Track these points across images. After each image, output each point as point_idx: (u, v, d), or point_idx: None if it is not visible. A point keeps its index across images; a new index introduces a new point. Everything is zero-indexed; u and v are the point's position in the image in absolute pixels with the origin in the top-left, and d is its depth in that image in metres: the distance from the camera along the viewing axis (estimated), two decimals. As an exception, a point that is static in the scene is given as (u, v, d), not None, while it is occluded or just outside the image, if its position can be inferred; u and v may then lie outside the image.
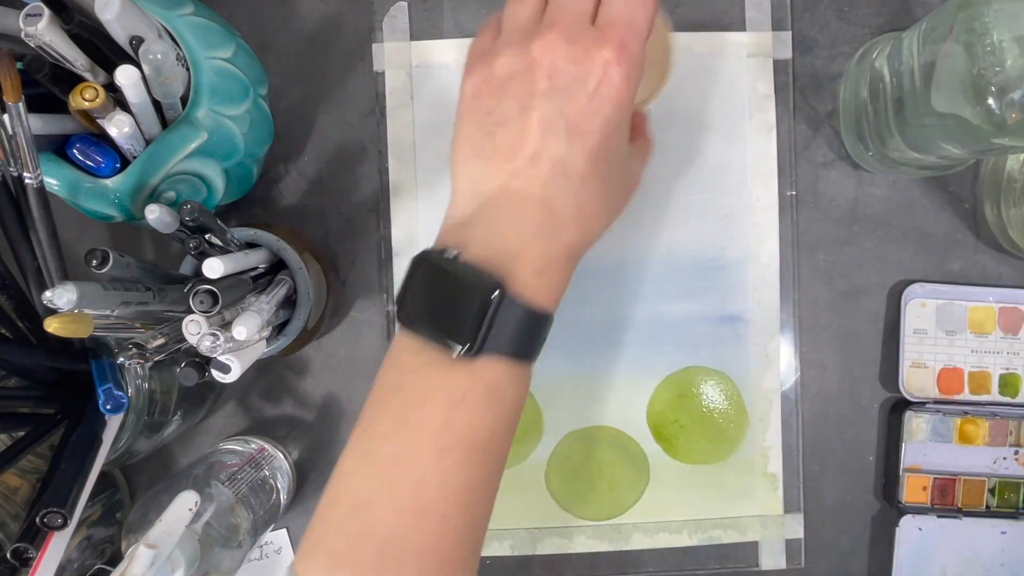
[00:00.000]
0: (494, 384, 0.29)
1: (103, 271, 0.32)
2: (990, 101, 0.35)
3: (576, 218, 0.30)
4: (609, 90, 0.29)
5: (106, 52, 0.36)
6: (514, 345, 0.29)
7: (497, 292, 0.28)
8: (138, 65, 0.35)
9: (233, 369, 0.36)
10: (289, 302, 0.43)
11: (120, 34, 0.35)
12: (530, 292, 0.29)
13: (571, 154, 0.29)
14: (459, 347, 0.28)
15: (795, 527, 0.49)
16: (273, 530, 0.49)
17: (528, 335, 0.30)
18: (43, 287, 0.35)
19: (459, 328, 0.28)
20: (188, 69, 0.39)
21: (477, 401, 0.29)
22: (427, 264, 0.30)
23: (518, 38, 0.30)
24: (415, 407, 0.29)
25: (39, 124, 0.37)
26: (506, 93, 0.30)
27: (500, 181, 0.30)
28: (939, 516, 0.48)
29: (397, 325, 0.31)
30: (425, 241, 0.49)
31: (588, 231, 0.31)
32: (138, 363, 0.34)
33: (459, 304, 0.28)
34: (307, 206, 0.49)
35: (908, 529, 0.48)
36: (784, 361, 0.49)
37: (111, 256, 0.33)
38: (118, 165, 0.39)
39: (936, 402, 0.49)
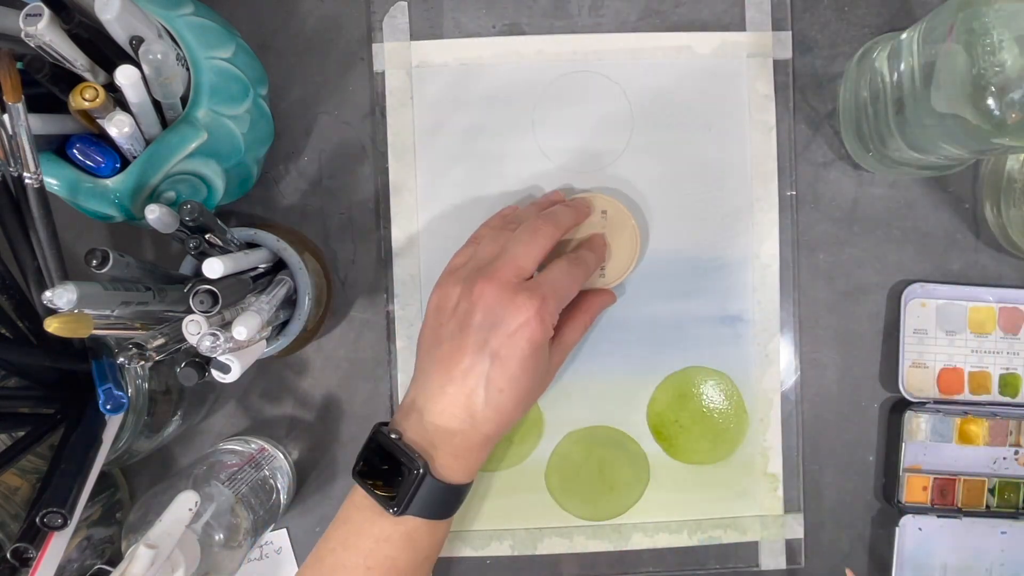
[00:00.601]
0: (411, 533, 0.39)
1: (103, 271, 0.32)
2: (990, 101, 0.35)
3: (492, 418, 0.39)
4: (525, 331, 0.38)
5: (106, 52, 0.36)
6: (429, 510, 0.39)
7: (420, 471, 0.38)
8: (138, 65, 0.35)
9: (233, 369, 0.36)
10: (289, 302, 0.43)
11: (120, 34, 0.35)
12: (447, 471, 0.39)
13: (492, 372, 0.38)
14: (391, 508, 0.38)
15: (795, 527, 0.49)
16: (273, 530, 0.49)
17: (442, 503, 0.40)
18: (43, 287, 0.35)
19: (391, 495, 0.39)
20: (188, 69, 0.39)
21: (398, 542, 0.39)
22: (379, 439, 0.40)
23: (473, 275, 0.40)
24: (353, 535, 0.40)
25: (39, 124, 0.37)
26: (453, 316, 0.40)
27: (440, 383, 0.39)
28: (939, 516, 0.48)
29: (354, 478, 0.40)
30: (425, 241, 0.49)
31: (501, 425, 0.39)
32: (138, 363, 0.34)
33: (394, 475, 0.39)
34: (307, 206, 0.49)
35: (908, 529, 0.48)
36: (784, 361, 0.49)
37: (111, 256, 0.33)
38: (118, 165, 0.39)
39: (936, 402, 0.49)
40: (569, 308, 0.43)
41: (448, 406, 0.39)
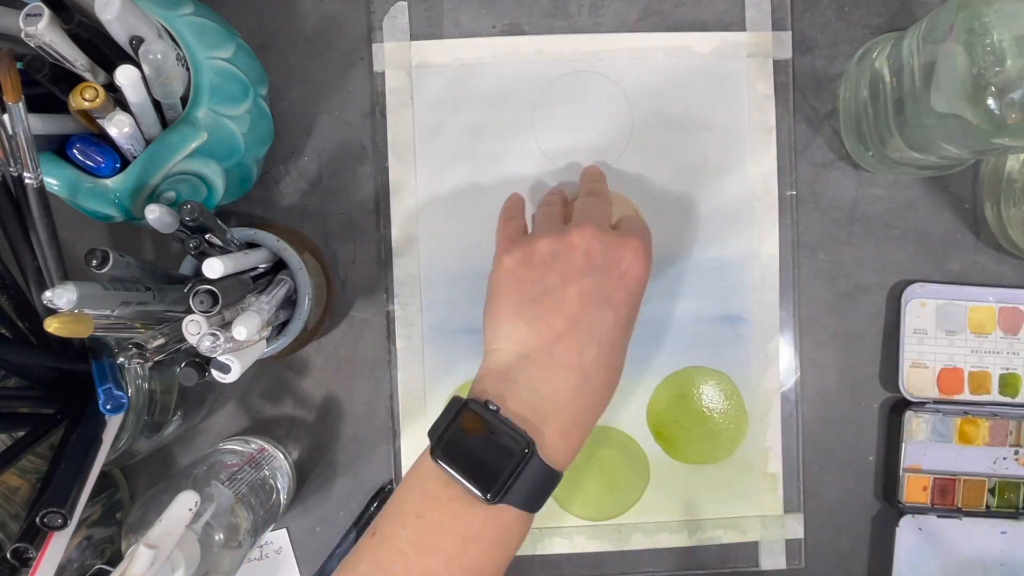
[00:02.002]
0: (506, 528, 0.32)
1: (103, 271, 0.32)
2: (990, 101, 0.35)
3: (605, 383, 0.34)
4: (635, 271, 0.35)
5: (106, 52, 0.36)
6: (529, 499, 0.33)
7: (527, 450, 0.32)
8: (138, 65, 0.35)
9: (233, 369, 0.36)
10: (289, 302, 0.43)
11: (120, 34, 0.35)
12: (553, 452, 0.33)
13: (605, 323, 0.34)
14: (487, 493, 0.32)
15: (795, 527, 0.49)
16: (273, 530, 0.49)
17: (543, 491, 0.34)
18: (43, 287, 0.35)
19: (489, 478, 0.32)
20: (188, 69, 0.39)
21: (490, 541, 0.32)
22: (470, 412, 0.33)
23: (555, 229, 0.36)
24: (431, 533, 0.32)
25: (39, 124, 0.37)
26: (549, 268, 0.35)
27: (542, 343, 0.34)
28: (939, 516, 0.48)
29: (428, 453, 0.34)
30: (425, 241, 0.49)
31: (610, 393, 0.35)
32: (138, 363, 0.34)
33: (494, 455, 0.32)
34: (307, 206, 0.49)
35: (908, 529, 0.48)
36: (784, 361, 0.49)
37: (111, 256, 0.33)
38: (118, 165, 0.39)
39: (936, 402, 0.49)
40: None
41: (558, 370, 0.33)
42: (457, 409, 0.34)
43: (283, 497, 0.47)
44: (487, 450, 0.32)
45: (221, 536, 0.41)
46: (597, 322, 0.34)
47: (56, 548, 0.35)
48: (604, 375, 0.34)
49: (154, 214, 0.35)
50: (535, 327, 0.34)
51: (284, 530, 0.50)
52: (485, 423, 0.33)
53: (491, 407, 0.33)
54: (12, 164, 0.34)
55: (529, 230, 0.43)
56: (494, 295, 0.37)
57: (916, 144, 0.42)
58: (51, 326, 0.30)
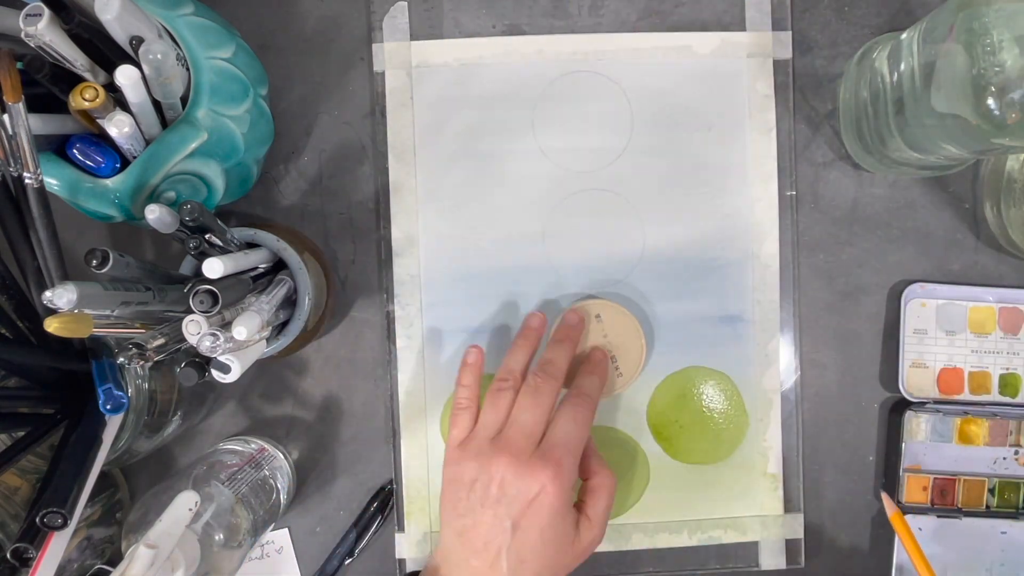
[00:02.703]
0: None
1: (103, 271, 0.32)
2: (990, 101, 0.35)
3: None
4: (544, 499, 0.38)
5: (106, 52, 0.36)
6: None
7: None
8: (138, 65, 0.35)
9: (233, 369, 0.36)
10: (289, 302, 0.43)
11: (120, 34, 0.35)
12: None
13: (513, 544, 0.38)
14: None
15: (795, 527, 0.49)
16: (275, 529, 0.49)
17: None
18: (43, 287, 0.35)
19: None
20: (188, 69, 0.39)
21: None
22: None
23: (485, 449, 0.40)
24: None
25: (39, 124, 0.37)
26: (471, 491, 0.40)
27: (464, 556, 0.39)
28: (939, 516, 0.48)
29: None
30: (425, 241, 0.49)
31: None
32: (138, 363, 0.34)
33: None
34: (307, 206, 0.49)
35: (908, 529, 0.48)
36: (784, 361, 0.49)
37: (111, 256, 0.33)
38: (118, 165, 0.39)
39: (936, 402, 0.49)
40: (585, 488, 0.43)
41: (472, 573, 0.39)
42: None
43: (283, 497, 0.47)
44: None
45: (221, 536, 0.41)
46: (505, 544, 0.38)
47: (56, 548, 0.35)
48: None
49: (154, 214, 0.35)
50: (460, 540, 0.39)
51: (286, 529, 0.50)
52: None
53: None
54: (12, 164, 0.34)
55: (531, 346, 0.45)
56: (441, 500, 0.42)
57: (916, 144, 0.42)
58: (51, 326, 0.30)
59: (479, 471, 0.40)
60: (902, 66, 0.41)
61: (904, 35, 0.42)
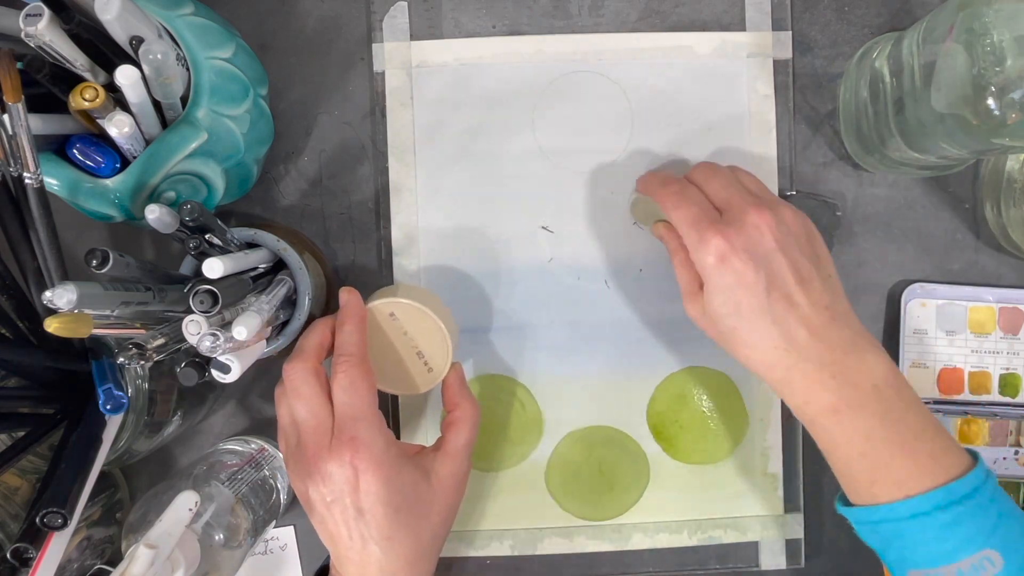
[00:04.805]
0: None
1: (103, 271, 0.32)
2: (990, 101, 0.35)
3: (394, 556, 0.38)
4: (365, 475, 0.37)
5: (106, 52, 0.36)
6: None
7: None
8: (138, 65, 0.35)
9: (233, 369, 0.36)
10: (289, 302, 0.43)
11: (120, 34, 0.35)
12: None
13: (369, 529, 0.38)
14: None
15: (795, 527, 0.49)
16: (280, 526, 0.49)
17: None
18: (43, 287, 0.35)
19: None
20: (188, 69, 0.39)
21: None
22: None
23: (295, 462, 0.39)
24: None
25: (39, 124, 0.37)
26: (308, 502, 0.39)
27: (341, 553, 0.39)
28: (939, 516, 0.48)
29: None
30: (425, 241, 0.49)
31: (404, 554, 0.38)
32: (138, 363, 0.34)
33: None
34: (307, 206, 0.49)
35: (908, 529, 0.48)
36: (784, 361, 0.49)
37: (111, 256, 0.33)
38: (118, 165, 0.39)
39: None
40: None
41: (357, 569, 0.39)
42: None
43: (283, 497, 0.47)
44: None
45: (221, 536, 0.41)
46: (364, 531, 0.38)
47: (56, 548, 0.35)
48: (394, 558, 0.38)
49: (154, 214, 0.35)
50: (333, 545, 0.39)
51: (292, 527, 0.50)
52: None
53: None
54: (12, 164, 0.34)
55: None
56: None
57: (916, 144, 0.42)
58: (51, 326, 0.30)
59: (301, 483, 0.39)
60: (902, 66, 0.41)
61: (904, 35, 0.42)
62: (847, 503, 0.40)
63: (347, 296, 0.42)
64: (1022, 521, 0.36)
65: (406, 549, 0.38)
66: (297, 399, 0.39)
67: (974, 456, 0.37)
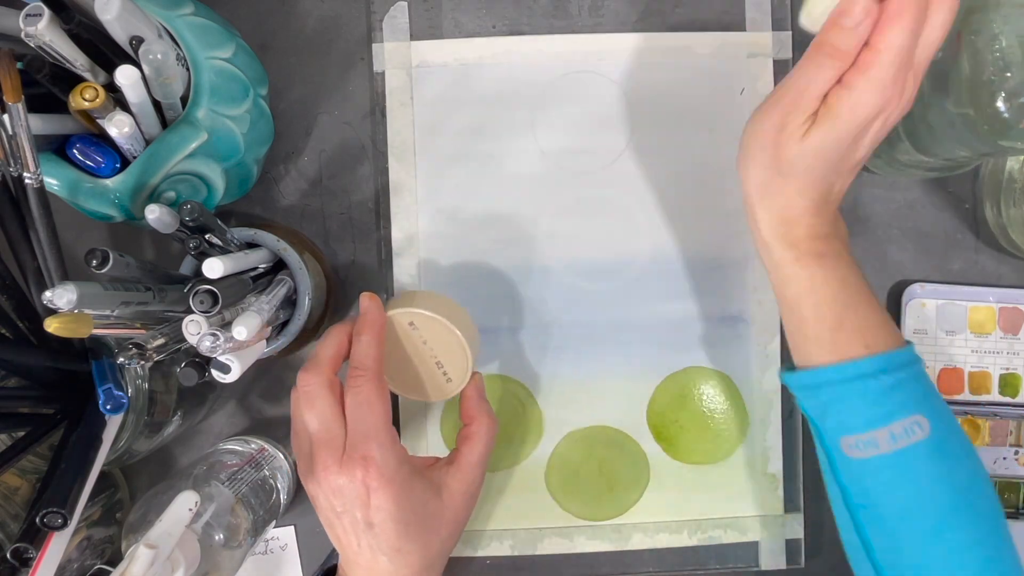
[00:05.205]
0: None
1: (103, 271, 0.32)
2: (999, 104, 0.35)
3: (402, 565, 0.39)
4: (376, 492, 0.37)
5: (106, 52, 0.36)
6: None
7: None
8: (138, 65, 0.35)
9: (233, 369, 0.36)
10: (289, 302, 0.43)
11: (120, 34, 0.35)
12: None
13: (379, 542, 0.38)
14: None
15: (795, 527, 0.49)
16: (280, 526, 0.49)
17: None
18: (43, 287, 0.35)
19: None
20: (188, 69, 0.39)
21: None
22: None
23: (308, 473, 0.39)
24: None
25: (39, 124, 0.37)
26: (321, 512, 0.39)
27: (351, 560, 0.39)
28: (939, 516, 0.48)
29: None
30: (425, 241, 0.49)
31: (412, 564, 0.39)
32: (138, 363, 0.34)
33: None
34: (307, 206, 0.49)
35: (908, 529, 0.48)
36: (784, 361, 0.49)
37: (111, 256, 0.33)
38: (118, 165, 0.39)
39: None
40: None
41: (366, 575, 0.39)
42: None
43: (283, 497, 0.47)
44: None
45: (221, 536, 0.41)
46: (374, 543, 0.38)
47: (56, 548, 0.35)
48: (399, 567, 0.39)
49: (154, 214, 0.35)
50: (343, 552, 0.40)
51: (292, 527, 0.50)
52: None
53: None
54: (12, 164, 0.34)
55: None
56: None
57: (924, 147, 0.42)
58: (51, 326, 0.30)
59: (316, 493, 0.39)
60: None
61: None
62: (791, 371, 0.40)
63: (368, 303, 0.41)
64: (942, 399, 0.38)
65: (415, 560, 0.39)
66: (310, 410, 0.39)
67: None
